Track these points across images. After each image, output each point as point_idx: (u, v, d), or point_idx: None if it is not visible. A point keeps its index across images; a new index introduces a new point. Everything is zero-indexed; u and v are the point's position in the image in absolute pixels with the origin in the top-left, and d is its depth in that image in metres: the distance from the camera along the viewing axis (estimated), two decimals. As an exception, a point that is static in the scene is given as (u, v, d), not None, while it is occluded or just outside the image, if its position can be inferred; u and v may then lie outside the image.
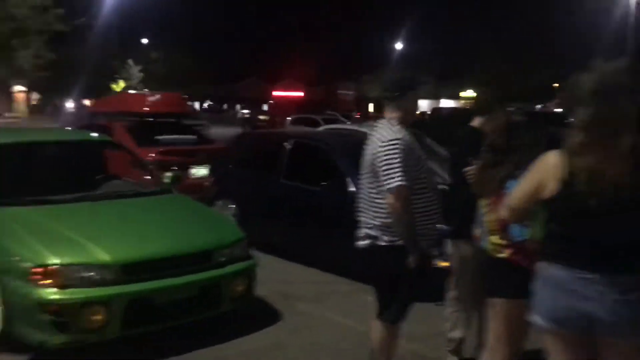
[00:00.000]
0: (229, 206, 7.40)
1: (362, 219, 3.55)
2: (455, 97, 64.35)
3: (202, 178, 8.71)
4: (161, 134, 9.44)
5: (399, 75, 3.72)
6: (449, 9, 61.14)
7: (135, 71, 35.75)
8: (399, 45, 58.85)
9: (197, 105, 26.92)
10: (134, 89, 36.92)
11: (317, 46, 61.69)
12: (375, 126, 3.55)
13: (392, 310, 3.53)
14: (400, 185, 3.27)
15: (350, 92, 62.11)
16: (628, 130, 2.20)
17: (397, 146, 3.33)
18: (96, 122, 10.73)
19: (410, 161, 3.37)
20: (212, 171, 8.33)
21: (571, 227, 2.33)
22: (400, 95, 3.51)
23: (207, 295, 4.49)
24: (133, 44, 43.78)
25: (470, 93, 64.55)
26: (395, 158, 3.31)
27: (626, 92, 2.22)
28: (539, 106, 60.04)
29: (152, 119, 10.04)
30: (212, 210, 5.25)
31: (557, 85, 59.43)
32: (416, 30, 59.73)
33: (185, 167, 8.69)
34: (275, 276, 5.89)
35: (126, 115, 9.99)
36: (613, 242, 2.27)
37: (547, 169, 2.36)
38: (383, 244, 3.43)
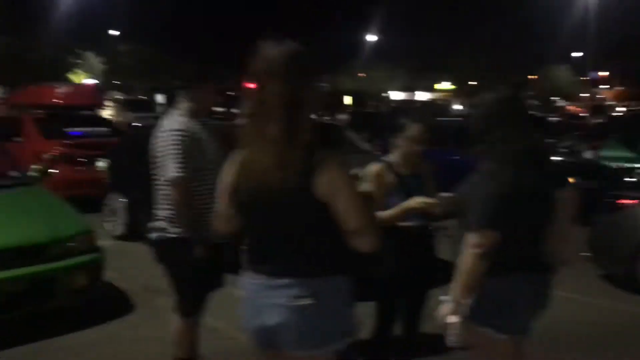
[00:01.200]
0: (119, 200, 7.33)
1: (155, 210, 3.52)
2: (430, 89, 64.70)
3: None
4: (72, 127, 9.33)
5: (195, 66, 3.69)
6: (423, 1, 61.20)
7: (96, 63, 35.43)
8: (371, 37, 58.78)
9: (159, 97, 26.71)
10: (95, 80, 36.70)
11: (291, 38, 61.16)
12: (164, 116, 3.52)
13: (185, 303, 3.51)
14: (177, 176, 3.24)
15: (324, 84, 62.05)
16: (278, 115, 2.00)
17: (176, 136, 3.29)
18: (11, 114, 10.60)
19: (193, 152, 3.33)
20: (107, 164, 8.25)
21: (242, 227, 2.17)
22: (193, 86, 3.48)
23: (39, 289, 4.43)
24: (100, 36, 43.27)
25: (445, 85, 65.10)
26: (174, 148, 3.27)
27: (280, 75, 2.02)
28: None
29: (62, 111, 9.91)
30: (63, 204, 5.19)
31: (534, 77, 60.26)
32: (390, 22, 59.45)
33: (93, 160, 8.60)
34: (149, 269, 5.82)
35: (38, 107, 9.87)
36: (269, 242, 2.08)
37: (226, 166, 2.20)
38: (171, 235, 3.40)
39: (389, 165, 3.43)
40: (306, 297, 2.01)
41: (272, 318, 2.05)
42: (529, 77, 59.40)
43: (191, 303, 3.51)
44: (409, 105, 31.35)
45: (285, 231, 2.06)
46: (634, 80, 54.14)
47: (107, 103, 18.52)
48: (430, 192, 3.35)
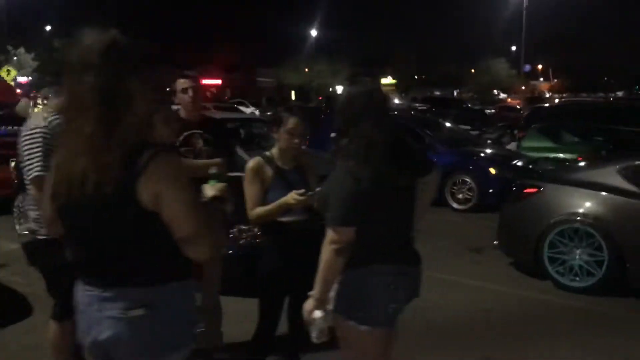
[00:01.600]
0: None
1: (25, 211, 3.38)
2: (376, 83, 65.23)
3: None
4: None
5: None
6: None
7: (28, 59, 34.14)
8: (314, 32, 58.84)
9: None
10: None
11: (236, 32, 60.67)
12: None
13: (57, 306, 3.38)
14: (37, 176, 3.11)
15: (270, 79, 61.67)
16: (93, 111, 1.81)
17: (39, 135, 3.16)
18: None
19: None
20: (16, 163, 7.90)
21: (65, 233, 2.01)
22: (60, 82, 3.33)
23: None
24: (31, 31, 41.66)
25: (389, 80, 65.84)
26: (36, 147, 3.14)
27: (95, 65, 1.83)
28: (456, 91, 62.11)
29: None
30: None
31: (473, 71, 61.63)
32: (334, 16, 59.71)
33: (6, 160, 8.23)
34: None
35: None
36: (93, 251, 1.93)
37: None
38: (41, 237, 3.27)
39: (269, 160, 3.37)
40: (138, 308, 1.88)
41: (104, 332, 1.90)
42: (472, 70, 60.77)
43: (65, 306, 3.37)
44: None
45: (108, 241, 1.89)
46: (566, 73, 56.02)
47: (39, 101, 17.81)
48: (312, 186, 3.31)
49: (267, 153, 3.41)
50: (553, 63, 59.40)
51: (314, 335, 2.63)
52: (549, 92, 59.27)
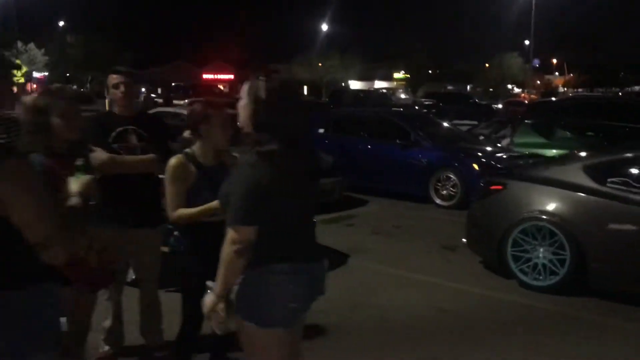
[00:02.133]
0: None
1: None
2: (390, 78, 65.00)
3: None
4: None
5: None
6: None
7: (39, 55, 34.47)
8: (325, 27, 58.70)
9: None
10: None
11: (248, 28, 60.73)
12: None
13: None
14: None
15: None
16: None
17: None
18: None
19: None
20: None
21: None
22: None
23: None
24: (43, 27, 42.10)
25: (401, 74, 65.54)
26: None
27: None
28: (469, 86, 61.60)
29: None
30: None
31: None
32: (346, 12, 59.46)
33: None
34: None
35: None
36: None
37: None
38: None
39: (191, 157, 3.33)
40: None
41: None
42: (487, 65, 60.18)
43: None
44: (366, 94, 31.33)
45: None
46: (581, 67, 55.25)
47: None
48: None
49: (189, 150, 3.37)
50: (569, 58, 58.60)
51: (215, 327, 2.61)
52: (563, 87, 58.58)
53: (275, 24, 61.78)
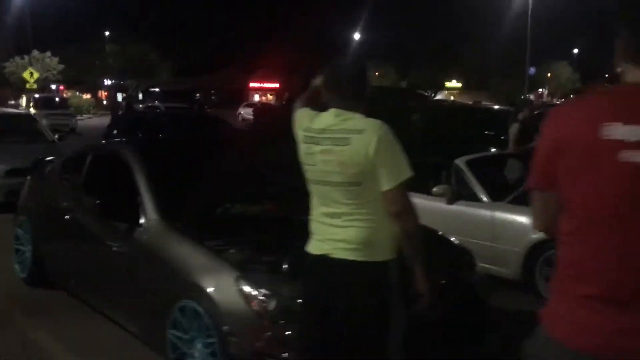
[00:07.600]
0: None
1: None
2: (442, 87, 63.51)
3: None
4: None
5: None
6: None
7: (54, 63, 36.92)
8: (362, 36, 58.51)
9: (119, 96, 27.71)
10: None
11: (293, 37, 61.57)
12: None
13: None
14: None
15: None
16: None
17: None
18: None
19: None
20: None
21: None
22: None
23: None
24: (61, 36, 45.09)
25: (454, 83, 63.86)
26: None
27: None
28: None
29: None
30: None
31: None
32: (390, 20, 58.95)
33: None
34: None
35: None
36: None
37: None
38: None
39: None
40: None
41: None
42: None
43: None
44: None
45: None
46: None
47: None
48: None
49: None
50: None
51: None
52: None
53: (319, 32, 62.10)
